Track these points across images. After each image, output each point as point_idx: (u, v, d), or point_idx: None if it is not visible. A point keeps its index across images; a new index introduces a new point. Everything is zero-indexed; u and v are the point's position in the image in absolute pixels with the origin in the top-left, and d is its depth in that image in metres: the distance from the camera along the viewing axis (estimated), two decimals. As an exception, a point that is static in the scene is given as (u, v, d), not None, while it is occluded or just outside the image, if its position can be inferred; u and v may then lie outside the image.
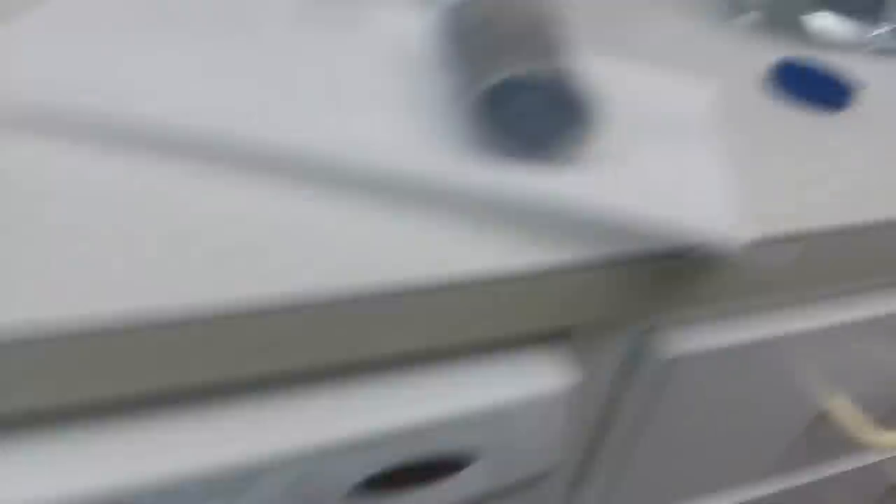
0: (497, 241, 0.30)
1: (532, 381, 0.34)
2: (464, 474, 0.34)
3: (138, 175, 0.30)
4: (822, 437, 0.55)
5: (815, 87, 0.46)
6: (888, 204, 0.38)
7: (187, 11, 0.38)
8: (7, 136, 0.31)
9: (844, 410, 0.50)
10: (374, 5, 0.43)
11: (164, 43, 0.35)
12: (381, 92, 0.34)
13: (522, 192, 0.30)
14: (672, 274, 0.33)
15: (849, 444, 0.58)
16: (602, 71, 0.34)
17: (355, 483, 0.32)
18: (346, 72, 0.35)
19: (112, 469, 0.27)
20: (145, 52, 0.34)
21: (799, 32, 0.54)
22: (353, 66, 0.36)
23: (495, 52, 0.31)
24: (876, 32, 0.53)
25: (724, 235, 0.30)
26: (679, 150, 0.34)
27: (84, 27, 0.35)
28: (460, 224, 0.31)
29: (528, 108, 0.31)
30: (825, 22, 0.54)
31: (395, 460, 0.32)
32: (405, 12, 0.41)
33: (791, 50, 0.52)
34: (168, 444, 0.29)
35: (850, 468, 0.63)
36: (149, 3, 0.38)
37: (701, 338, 0.40)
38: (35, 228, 0.27)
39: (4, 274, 0.26)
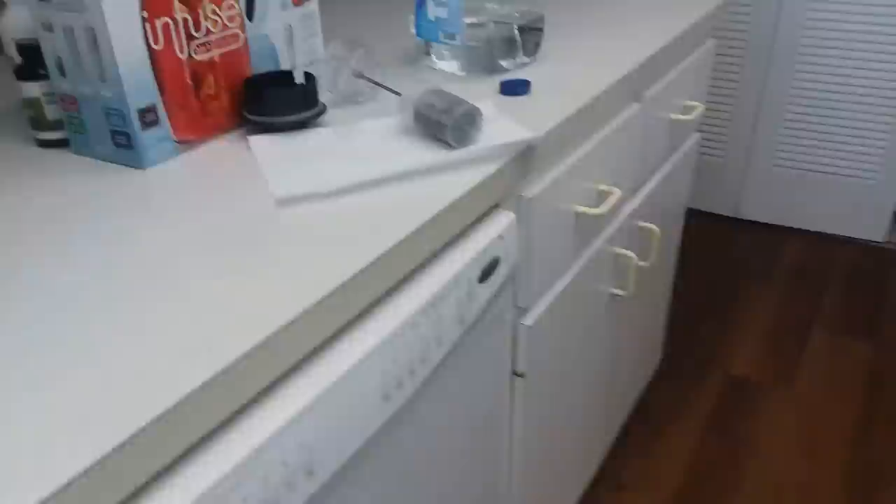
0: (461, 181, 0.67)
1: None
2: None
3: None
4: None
5: (517, 86, 0.85)
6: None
7: (323, 148, 0.74)
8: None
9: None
10: (365, 118, 0.81)
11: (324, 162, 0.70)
12: (397, 145, 0.72)
13: (463, 156, 0.70)
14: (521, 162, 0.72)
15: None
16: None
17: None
18: (382, 144, 0.73)
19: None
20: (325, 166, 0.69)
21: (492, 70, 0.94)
22: (383, 141, 0.74)
23: (447, 109, 0.71)
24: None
25: (536, 137, 0.71)
26: (498, 121, 0.75)
27: (284, 162, 0.70)
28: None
29: (464, 127, 0.71)
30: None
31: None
32: (380, 119, 0.80)
33: (490, 81, 0.92)
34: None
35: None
36: (292, 150, 0.73)
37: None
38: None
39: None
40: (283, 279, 0.52)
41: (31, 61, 0.72)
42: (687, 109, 1.16)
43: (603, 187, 0.93)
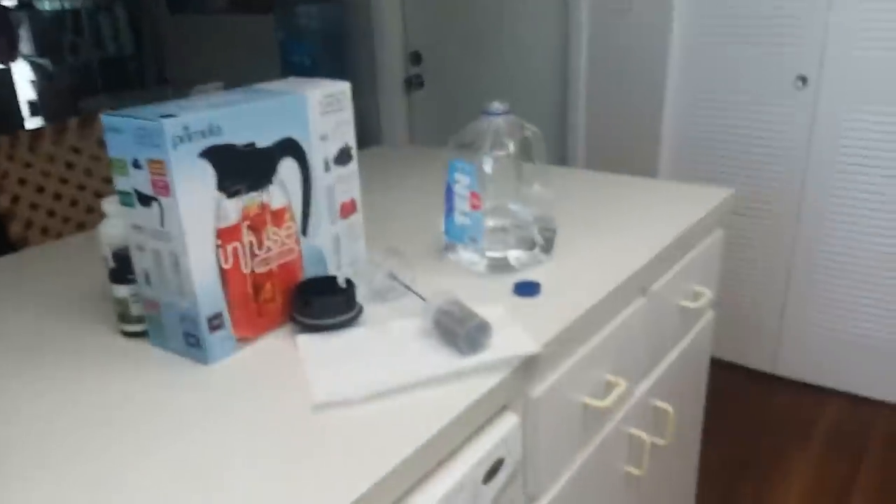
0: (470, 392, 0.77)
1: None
2: None
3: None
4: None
5: (528, 288, 0.93)
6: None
7: (357, 348, 0.87)
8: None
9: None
10: (393, 318, 0.93)
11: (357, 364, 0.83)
12: (417, 348, 0.84)
13: (472, 366, 0.79)
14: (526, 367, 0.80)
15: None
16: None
17: None
18: (405, 347, 0.85)
19: None
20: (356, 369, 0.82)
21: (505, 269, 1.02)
22: (406, 344, 0.86)
23: (461, 319, 0.82)
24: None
25: (538, 351, 0.80)
26: (507, 329, 0.85)
27: (324, 363, 0.83)
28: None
29: (475, 336, 0.81)
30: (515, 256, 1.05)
31: None
32: (406, 320, 0.91)
33: (507, 278, 1.00)
34: None
35: None
36: (332, 350, 0.86)
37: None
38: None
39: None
40: (315, 487, 0.62)
41: (122, 268, 0.88)
42: (697, 296, 1.25)
43: (610, 378, 1.02)
